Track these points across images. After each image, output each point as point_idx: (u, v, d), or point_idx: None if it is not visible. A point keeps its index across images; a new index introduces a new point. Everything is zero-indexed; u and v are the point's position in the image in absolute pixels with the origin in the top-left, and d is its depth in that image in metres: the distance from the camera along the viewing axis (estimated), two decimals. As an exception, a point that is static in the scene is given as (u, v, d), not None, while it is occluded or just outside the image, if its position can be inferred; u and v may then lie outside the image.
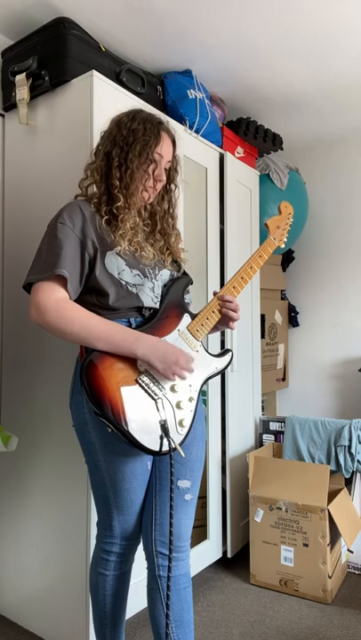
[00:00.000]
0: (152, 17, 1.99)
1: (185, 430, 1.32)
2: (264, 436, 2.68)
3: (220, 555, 2.38)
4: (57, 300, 1.25)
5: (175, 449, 1.29)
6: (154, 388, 1.29)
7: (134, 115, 1.41)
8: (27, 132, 1.96)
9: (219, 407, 2.38)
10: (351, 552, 2.38)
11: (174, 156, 1.45)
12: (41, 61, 1.85)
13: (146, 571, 1.42)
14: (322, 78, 2.45)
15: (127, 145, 1.36)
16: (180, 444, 1.31)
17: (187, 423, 1.33)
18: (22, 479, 1.94)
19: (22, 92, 1.86)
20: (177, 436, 1.31)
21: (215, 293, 1.43)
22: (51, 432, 1.84)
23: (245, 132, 2.59)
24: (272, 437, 2.65)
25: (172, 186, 1.49)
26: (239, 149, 2.59)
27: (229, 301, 1.41)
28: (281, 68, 2.36)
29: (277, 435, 2.63)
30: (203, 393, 2.31)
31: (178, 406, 1.32)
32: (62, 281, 1.28)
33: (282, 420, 2.62)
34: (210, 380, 2.31)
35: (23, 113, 1.87)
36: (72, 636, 1.75)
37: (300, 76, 2.43)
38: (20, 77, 1.87)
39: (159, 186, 1.43)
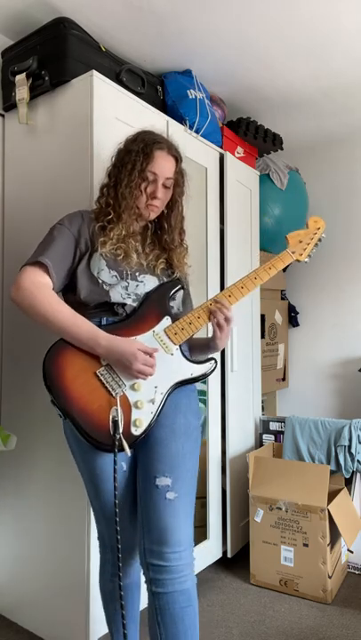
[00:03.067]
0: (152, 17, 1.99)
1: (140, 431, 1.29)
2: (264, 436, 2.68)
3: (220, 555, 2.38)
4: (33, 282, 1.31)
5: (122, 448, 1.25)
6: (112, 383, 1.30)
7: (137, 136, 1.44)
8: (27, 132, 1.96)
9: (219, 407, 2.38)
10: (351, 552, 2.38)
11: (178, 172, 1.46)
12: (41, 61, 1.85)
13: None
14: (322, 78, 2.45)
15: (121, 165, 1.41)
16: (132, 444, 1.28)
17: (142, 424, 1.30)
18: (22, 479, 1.94)
19: (22, 92, 1.86)
20: (130, 435, 1.28)
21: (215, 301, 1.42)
22: (50, 432, 1.84)
23: (245, 132, 2.59)
24: (272, 437, 2.65)
25: (176, 201, 1.49)
26: (239, 149, 2.59)
27: (223, 305, 1.38)
28: (281, 68, 2.36)
29: (277, 435, 2.63)
30: (203, 393, 2.31)
31: (136, 405, 1.31)
32: (45, 268, 1.34)
33: (282, 420, 2.62)
34: (210, 381, 2.32)
35: (23, 113, 1.87)
36: (72, 636, 1.75)
37: (300, 76, 2.43)
38: (20, 77, 1.87)
39: (157, 202, 1.43)
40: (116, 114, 1.81)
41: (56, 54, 1.82)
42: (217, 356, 2.27)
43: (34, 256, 1.36)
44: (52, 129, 1.87)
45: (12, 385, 1.99)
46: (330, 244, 3.14)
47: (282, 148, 2.83)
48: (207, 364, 1.41)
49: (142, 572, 1.31)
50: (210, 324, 1.42)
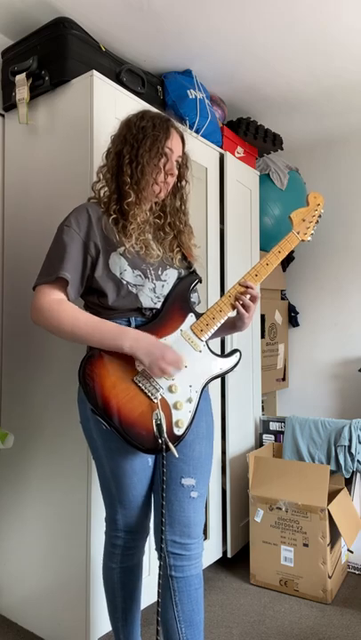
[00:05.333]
0: (152, 16, 1.99)
1: (181, 431, 1.32)
2: (264, 436, 2.68)
3: (220, 555, 2.38)
4: (50, 301, 1.31)
5: (168, 449, 1.29)
6: (150, 387, 1.30)
7: (143, 114, 1.43)
8: (27, 132, 1.96)
9: (219, 407, 2.38)
10: (351, 552, 2.38)
11: (184, 153, 1.47)
12: (41, 61, 1.85)
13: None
14: (322, 78, 2.45)
15: (137, 142, 1.38)
16: (176, 445, 1.31)
17: (183, 424, 1.33)
18: (21, 478, 1.94)
19: (22, 92, 1.86)
20: (173, 436, 1.31)
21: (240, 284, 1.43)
22: (51, 430, 1.84)
23: (245, 132, 2.59)
24: (272, 437, 2.65)
25: (183, 182, 1.50)
26: (239, 149, 2.59)
27: (251, 287, 1.40)
28: (281, 68, 2.36)
29: (277, 435, 2.63)
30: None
31: (175, 407, 1.32)
32: (63, 283, 1.33)
33: (282, 420, 2.62)
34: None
35: (23, 113, 1.87)
36: (72, 636, 1.75)
37: (300, 76, 2.43)
38: (20, 77, 1.87)
39: (171, 180, 1.44)
40: (116, 114, 1.81)
41: (56, 54, 1.82)
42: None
43: (50, 270, 1.33)
44: (52, 129, 1.87)
45: (12, 383, 1.99)
46: (330, 244, 3.14)
47: (282, 148, 2.83)
48: (233, 356, 1.43)
49: (157, 556, 1.39)
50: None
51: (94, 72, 1.76)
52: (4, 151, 2.04)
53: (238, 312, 1.42)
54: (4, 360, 2.03)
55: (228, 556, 2.39)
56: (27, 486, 1.92)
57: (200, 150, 2.29)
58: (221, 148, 2.44)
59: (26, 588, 1.91)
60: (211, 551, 2.32)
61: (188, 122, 2.20)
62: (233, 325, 1.49)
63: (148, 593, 1.87)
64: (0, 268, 2.04)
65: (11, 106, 1.98)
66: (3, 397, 2.03)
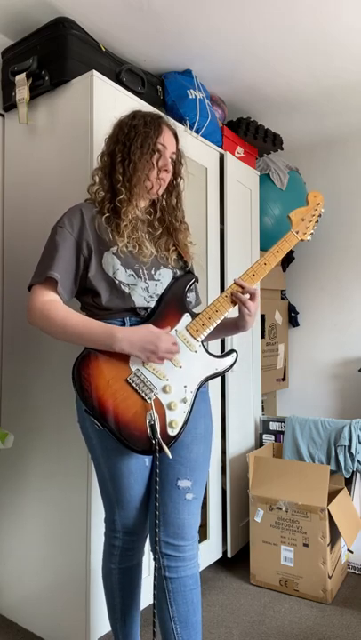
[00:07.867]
0: (152, 17, 1.99)
1: (175, 431, 1.32)
2: (264, 436, 2.68)
3: (220, 555, 2.38)
4: (43, 302, 1.31)
5: (162, 450, 1.29)
6: (144, 388, 1.30)
7: (134, 114, 1.44)
8: (27, 132, 1.96)
9: (219, 407, 2.38)
10: (351, 552, 2.38)
11: (178, 149, 1.47)
12: (41, 61, 1.86)
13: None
14: (322, 78, 2.45)
15: (129, 140, 1.38)
16: (170, 445, 1.31)
17: (178, 424, 1.32)
18: (21, 477, 1.94)
19: (22, 92, 1.86)
20: (167, 437, 1.31)
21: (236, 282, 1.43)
22: (51, 430, 1.84)
23: (245, 132, 2.59)
24: (272, 437, 2.65)
25: (178, 179, 1.50)
26: (239, 149, 2.59)
27: (245, 284, 1.39)
28: (281, 68, 2.36)
29: (277, 435, 2.63)
30: (203, 393, 2.30)
31: (169, 407, 1.32)
32: (54, 283, 1.33)
33: (282, 420, 2.62)
34: (210, 380, 2.32)
35: (23, 113, 1.87)
36: (72, 636, 1.75)
37: (300, 76, 2.43)
38: (20, 77, 1.87)
39: (165, 176, 1.43)
40: (116, 114, 1.80)
41: (56, 54, 1.82)
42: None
43: (41, 270, 1.35)
44: (52, 129, 1.87)
45: (11, 384, 1.99)
46: (330, 244, 3.14)
47: (282, 148, 2.83)
48: (229, 357, 1.42)
49: (152, 558, 1.40)
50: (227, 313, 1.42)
51: (94, 72, 1.76)
52: (4, 151, 2.04)
53: (240, 310, 1.42)
54: (3, 360, 2.03)
55: (228, 555, 2.39)
56: (27, 486, 1.92)
57: (200, 150, 2.29)
58: (221, 147, 2.44)
59: (26, 588, 1.91)
60: (211, 551, 2.32)
61: (188, 122, 2.20)
62: (236, 325, 1.48)
63: (148, 593, 1.87)
64: (0, 267, 2.04)
65: (11, 106, 1.98)
66: (2, 397, 2.03)
